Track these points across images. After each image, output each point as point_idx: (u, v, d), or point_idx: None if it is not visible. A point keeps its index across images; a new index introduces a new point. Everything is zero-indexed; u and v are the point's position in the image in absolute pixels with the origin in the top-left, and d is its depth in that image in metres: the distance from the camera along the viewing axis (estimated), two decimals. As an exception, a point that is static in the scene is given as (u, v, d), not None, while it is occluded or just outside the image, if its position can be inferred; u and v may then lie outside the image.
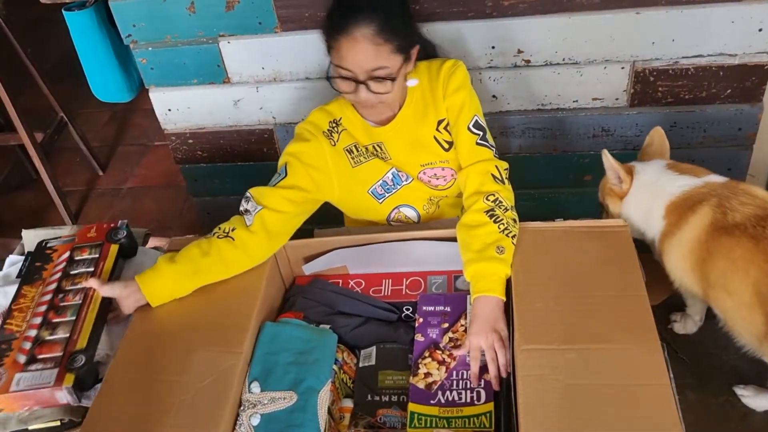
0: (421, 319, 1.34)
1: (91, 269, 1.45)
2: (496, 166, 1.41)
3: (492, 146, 1.44)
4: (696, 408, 1.60)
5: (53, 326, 1.34)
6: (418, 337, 1.31)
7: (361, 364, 1.33)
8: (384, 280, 1.46)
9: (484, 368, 1.24)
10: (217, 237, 1.37)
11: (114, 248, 1.49)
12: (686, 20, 1.61)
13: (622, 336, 1.16)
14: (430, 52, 1.53)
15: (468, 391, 1.22)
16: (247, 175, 1.98)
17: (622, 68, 1.72)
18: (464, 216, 1.37)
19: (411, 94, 1.46)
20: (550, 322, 1.19)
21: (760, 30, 1.61)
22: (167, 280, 1.34)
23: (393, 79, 1.35)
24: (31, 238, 1.63)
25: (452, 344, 1.29)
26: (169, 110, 1.96)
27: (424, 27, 1.58)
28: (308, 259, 1.49)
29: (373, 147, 1.48)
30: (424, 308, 1.36)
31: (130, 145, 3.08)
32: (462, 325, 1.31)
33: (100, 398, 1.21)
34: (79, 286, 1.41)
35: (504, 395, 1.20)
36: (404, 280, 1.46)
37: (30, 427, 1.26)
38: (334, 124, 1.47)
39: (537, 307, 1.23)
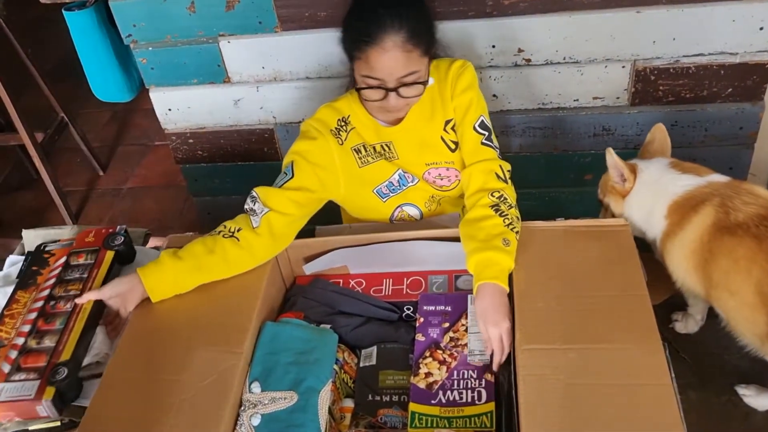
0: (421, 319, 1.34)
1: (85, 275, 1.43)
2: (500, 166, 1.41)
3: (496, 147, 1.44)
4: (698, 408, 1.60)
5: (41, 335, 1.32)
6: (419, 337, 1.31)
7: (361, 364, 1.33)
8: (385, 280, 1.46)
9: (484, 368, 1.23)
10: (223, 236, 1.36)
11: (110, 255, 1.47)
12: (687, 19, 1.61)
13: (623, 336, 1.15)
14: (439, 51, 1.52)
15: (469, 391, 1.22)
16: (248, 174, 1.98)
17: (623, 67, 1.71)
18: (468, 213, 1.37)
19: None
20: (551, 322, 1.19)
21: (761, 29, 1.61)
22: (169, 274, 1.33)
23: (424, 83, 1.35)
24: (31, 238, 1.63)
25: (453, 344, 1.29)
26: (170, 110, 1.96)
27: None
28: (309, 259, 1.49)
29: (381, 147, 1.47)
30: (425, 308, 1.36)
31: (130, 145, 3.08)
32: (463, 325, 1.31)
33: (99, 397, 1.20)
34: (71, 293, 1.39)
35: (505, 395, 1.19)
36: (405, 279, 1.45)
37: (30, 428, 1.25)
38: (342, 122, 1.45)
39: (538, 306, 1.22)
